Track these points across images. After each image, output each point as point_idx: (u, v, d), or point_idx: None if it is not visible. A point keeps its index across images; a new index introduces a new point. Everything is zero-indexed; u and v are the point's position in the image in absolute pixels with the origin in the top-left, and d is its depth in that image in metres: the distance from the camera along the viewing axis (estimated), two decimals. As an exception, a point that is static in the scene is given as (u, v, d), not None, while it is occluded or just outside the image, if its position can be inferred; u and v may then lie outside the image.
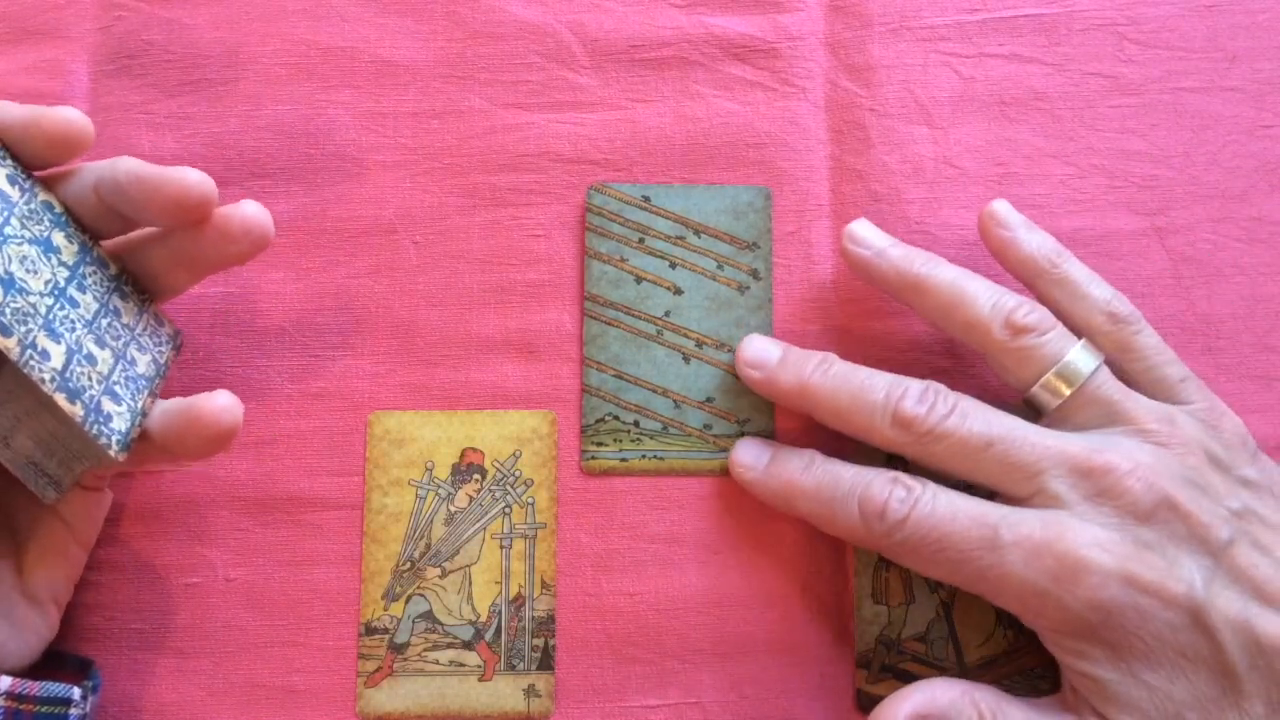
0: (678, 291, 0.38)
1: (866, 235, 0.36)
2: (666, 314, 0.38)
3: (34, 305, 0.30)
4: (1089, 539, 0.31)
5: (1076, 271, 0.35)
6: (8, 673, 0.32)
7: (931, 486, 0.33)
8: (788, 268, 0.39)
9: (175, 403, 0.32)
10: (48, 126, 0.31)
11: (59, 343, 0.30)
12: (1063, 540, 0.31)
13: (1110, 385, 0.33)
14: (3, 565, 0.33)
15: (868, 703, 0.36)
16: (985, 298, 0.34)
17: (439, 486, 0.37)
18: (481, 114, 0.40)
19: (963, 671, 0.36)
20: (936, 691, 0.32)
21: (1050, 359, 0.33)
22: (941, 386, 0.33)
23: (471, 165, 0.39)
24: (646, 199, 0.39)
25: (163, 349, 0.34)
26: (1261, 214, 0.39)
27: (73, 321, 0.31)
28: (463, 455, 0.37)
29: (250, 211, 0.32)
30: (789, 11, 0.40)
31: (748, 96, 0.40)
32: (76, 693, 0.32)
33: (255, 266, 0.39)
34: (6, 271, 0.30)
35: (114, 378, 0.31)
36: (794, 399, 0.35)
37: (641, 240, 0.38)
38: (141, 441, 0.32)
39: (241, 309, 0.38)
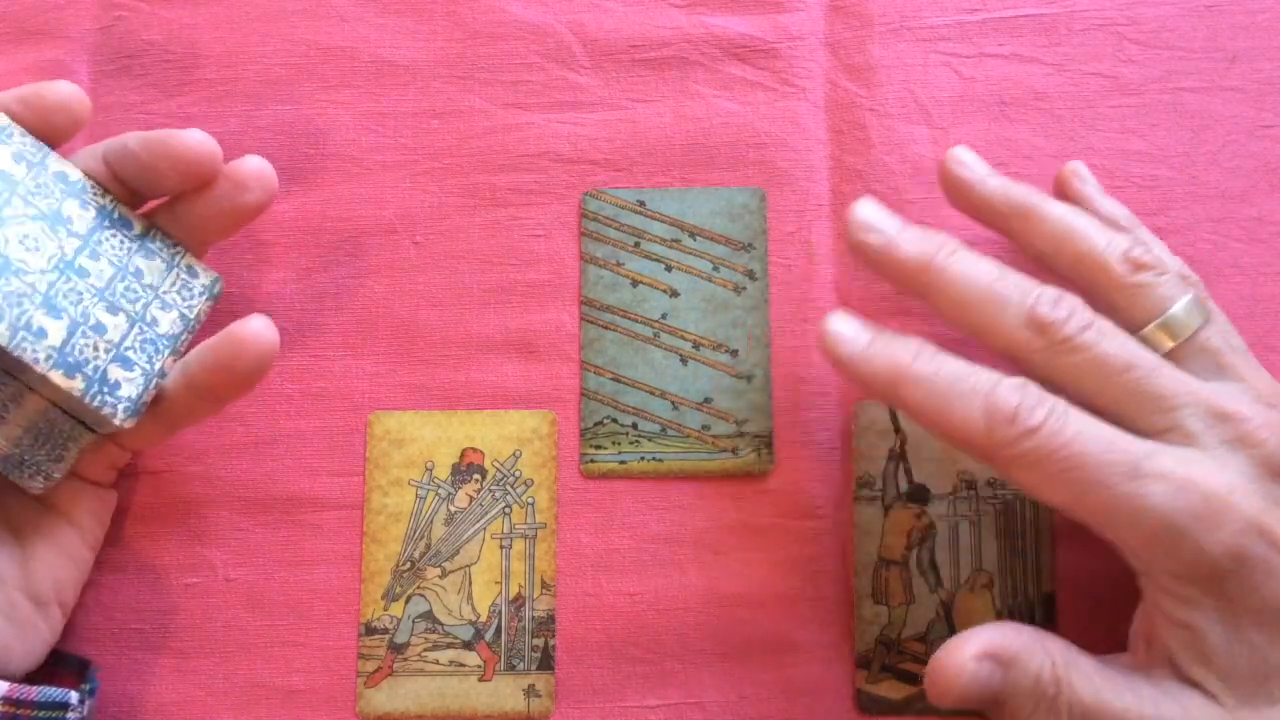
0: (674, 294, 0.38)
1: (967, 158, 0.35)
2: (663, 316, 0.38)
3: (32, 284, 0.31)
4: (1231, 484, 0.29)
5: (1151, 238, 0.35)
6: (5, 677, 0.32)
7: (1064, 402, 0.30)
8: (788, 268, 0.39)
9: (211, 339, 0.33)
10: (48, 100, 0.32)
11: (60, 318, 0.31)
12: (1208, 480, 0.29)
13: (1219, 338, 0.32)
14: (6, 566, 0.33)
15: (868, 703, 0.36)
16: (1100, 232, 0.32)
17: (439, 486, 0.37)
18: (481, 114, 0.40)
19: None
20: (1008, 633, 0.30)
21: (1165, 301, 0.32)
22: (1076, 297, 0.31)
23: (471, 165, 0.39)
24: (641, 203, 0.39)
25: (193, 302, 0.34)
26: (1261, 214, 0.39)
27: (80, 293, 0.31)
28: (463, 455, 0.37)
29: (255, 162, 0.34)
30: (789, 11, 0.40)
31: (748, 96, 0.40)
32: (74, 697, 0.32)
33: (255, 266, 0.39)
34: (2, 255, 0.30)
35: (127, 343, 0.32)
36: (911, 277, 0.32)
37: (637, 244, 0.38)
38: (182, 394, 0.33)
39: (241, 309, 0.38)
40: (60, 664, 0.35)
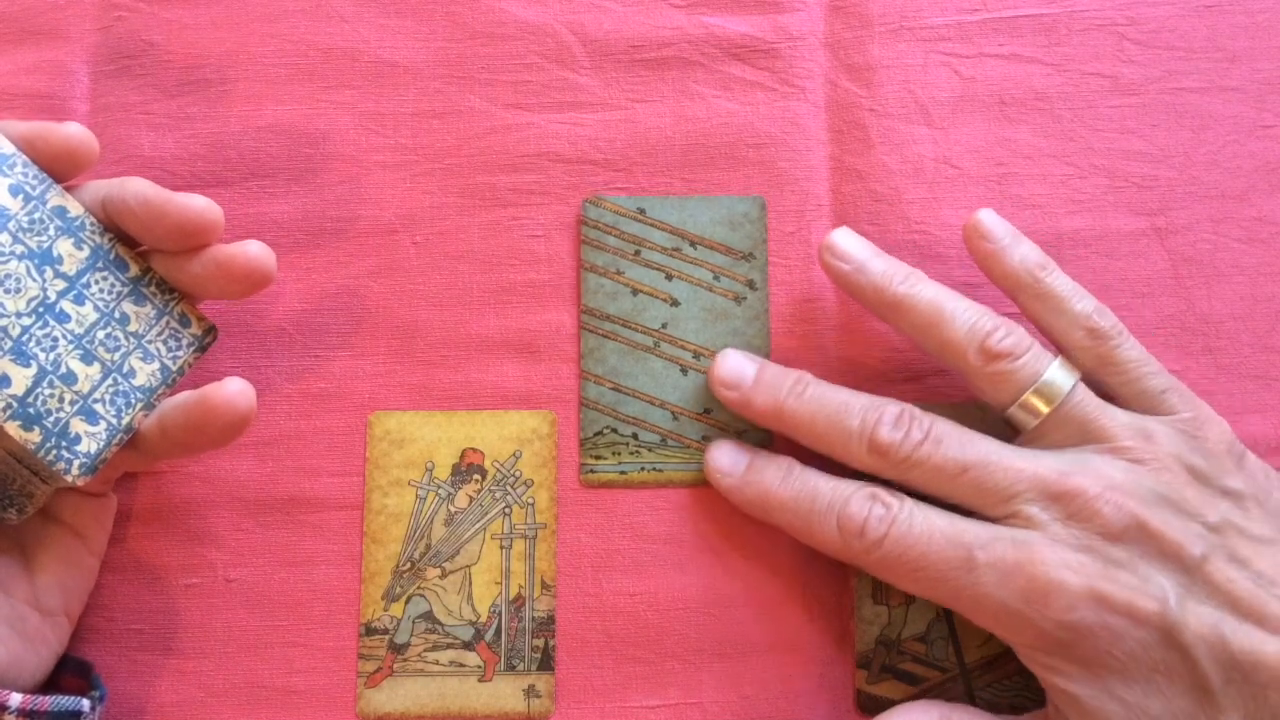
0: (674, 303, 0.38)
1: (847, 247, 0.35)
2: (663, 326, 0.38)
3: (4, 329, 0.30)
4: (1059, 560, 0.31)
5: (1059, 285, 0.35)
6: (17, 689, 0.31)
7: (909, 504, 0.33)
8: (788, 268, 0.39)
9: (186, 396, 0.32)
10: (53, 140, 0.31)
11: (29, 365, 0.30)
12: (1033, 562, 0.31)
13: (1087, 403, 0.33)
14: (14, 580, 0.33)
15: (868, 703, 0.36)
16: (962, 320, 0.34)
17: (439, 487, 0.37)
18: (481, 114, 0.40)
19: (963, 671, 0.36)
20: (912, 714, 0.33)
21: (1025, 381, 0.33)
22: (917, 410, 0.34)
23: (471, 165, 0.39)
24: (642, 211, 0.39)
25: (179, 353, 0.33)
26: (1261, 214, 0.39)
27: (55, 339, 0.31)
28: (463, 456, 0.37)
29: (254, 252, 0.32)
30: (789, 11, 0.40)
31: (748, 96, 0.40)
32: (86, 705, 0.32)
33: (255, 267, 0.39)
34: None
35: (96, 395, 0.31)
36: (770, 420, 0.35)
37: (637, 252, 0.38)
38: (158, 438, 0.32)
39: (241, 309, 0.38)
40: (61, 666, 0.35)
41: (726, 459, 0.36)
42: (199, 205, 0.31)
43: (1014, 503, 0.32)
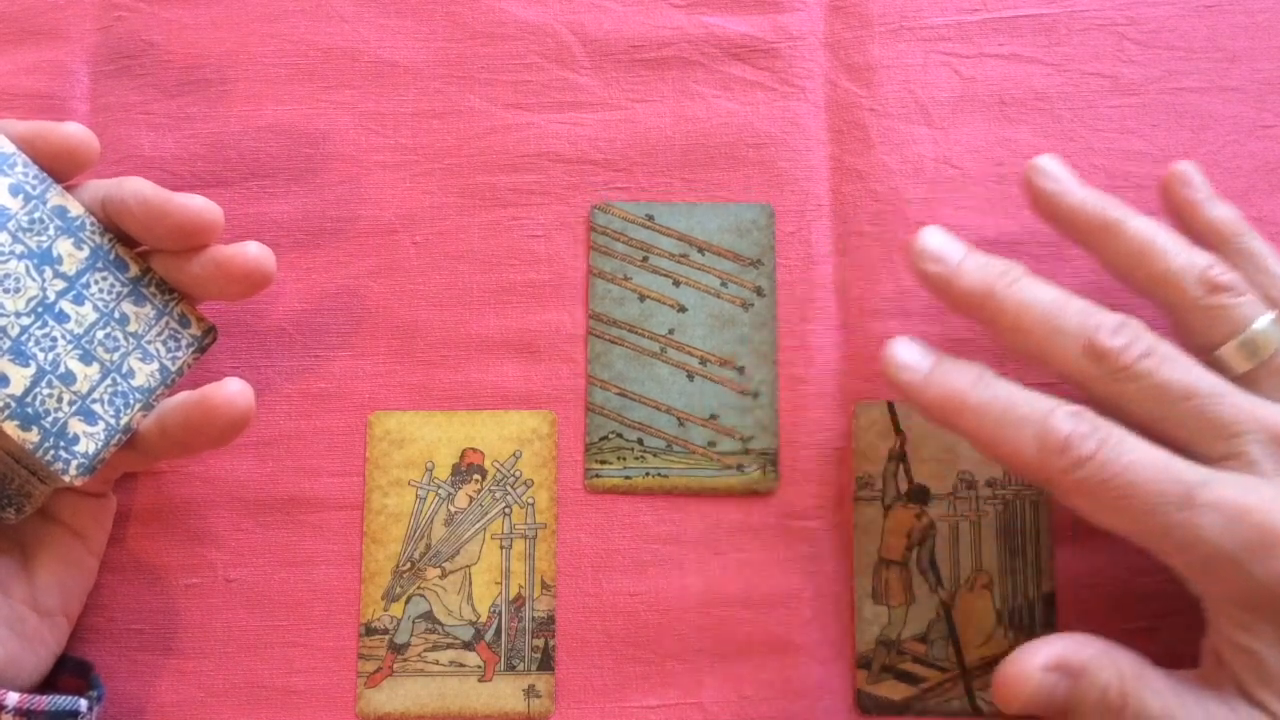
0: (681, 309, 0.38)
1: (1050, 168, 0.34)
2: (670, 332, 0.38)
3: (3, 328, 0.30)
4: None
5: (1260, 245, 0.34)
6: (14, 689, 0.31)
7: (1120, 428, 0.30)
8: (788, 268, 0.39)
9: (185, 396, 0.32)
10: (53, 140, 0.31)
11: (27, 365, 0.30)
12: (1264, 510, 0.28)
13: None
14: (13, 580, 0.33)
15: (868, 703, 0.36)
16: (1178, 251, 0.32)
17: (439, 487, 0.37)
18: (481, 114, 0.40)
19: (963, 671, 0.36)
20: (1078, 644, 0.30)
21: (1242, 322, 0.31)
22: (1139, 322, 0.31)
23: (471, 165, 0.39)
24: (650, 217, 0.39)
25: (178, 354, 0.33)
26: (1261, 214, 0.39)
27: (54, 339, 0.31)
28: (463, 456, 0.37)
29: (253, 253, 0.32)
30: (789, 11, 0.40)
31: (748, 96, 0.40)
32: (83, 704, 0.32)
33: (255, 267, 0.39)
34: None
35: (95, 395, 0.31)
36: (972, 305, 0.32)
37: (645, 258, 0.38)
38: (157, 438, 0.32)
39: (241, 309, 0.38)
40: (60, 665, 0.35)
41: (911, 354, 0.32)
42: (198, 205, 0.31)
43: (1238, 441, 0.30)
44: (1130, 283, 0.33)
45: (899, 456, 0.37)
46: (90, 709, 0.32)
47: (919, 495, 0.37)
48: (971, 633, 0.36)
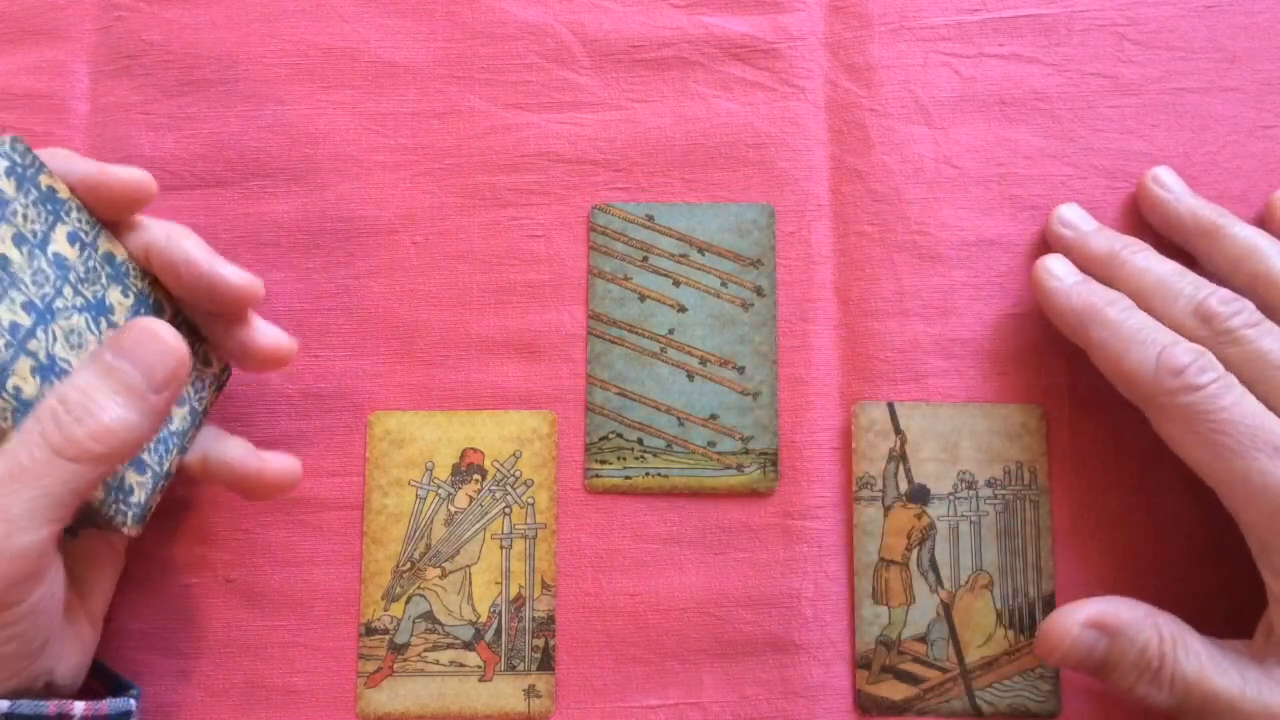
0: (681, 309, 0.38)
1: (1166, 179, 0.38)
2: (670, 332, 0.38)
3: None
4: None
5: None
6: (72, 696, 0.32)
7: (1232, 376, 0.32)
8: (788, 268, 0.39)
9: (242, 458, 0.34)
10: (114, 185, 0.32)
11: None
12: None
13: None
14: (77, 595, 0.33)
15: (868, 703, 0.36)
16: (1278, 253, 0.34)
17: (439, 487, 0.37)
18: (481, 114, 0.40)
19: (963, 671, 0.36)
20: (1120, 606, 0.32)
21: None
22: (1251, 304, 0.33)
23: (471, 165, 0.39)
24: (650, 217, 0.39)
25: (204, 394, 0.33)
26: (1261, 214, 0.39)
27: None
28: (463, 455, 0.37)
29: (281, 344, 0.34)
30: (789, 11, 0.40)
31: (748, 97, 0.40)
32: (132, 703, 0.32)
33: (256, 267, 0.38)
34: (49, 355, 0.29)
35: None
36: (1098, 263, 0.36)
37: (645, 258, 0.38)
38: (198, 476, 0.33)
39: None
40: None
41: (1060, 265, 0.36)
42: (244, 282, 0.32)
43: None
44: (1232, 283, 0.35)
45: (899, 456, 0.37)
46: (137, 706, 0.32)
47: (919, 495, 0.37)
48: (971, 633, 0.36)
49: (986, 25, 0.40)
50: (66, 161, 0.32)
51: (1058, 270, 0.36)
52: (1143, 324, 0.33)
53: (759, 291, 0.38)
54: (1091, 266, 0.36)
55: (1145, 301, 0.34)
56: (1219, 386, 0.32)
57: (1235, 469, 0.31)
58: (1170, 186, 0.38)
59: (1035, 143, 0.39)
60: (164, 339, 0.29)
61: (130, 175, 0.32)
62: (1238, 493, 0.32)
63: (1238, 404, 0.31)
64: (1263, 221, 0.38)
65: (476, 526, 0.37)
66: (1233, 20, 0.40)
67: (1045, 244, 0.38)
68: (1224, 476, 0.32)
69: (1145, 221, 0.38)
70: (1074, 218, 0.38)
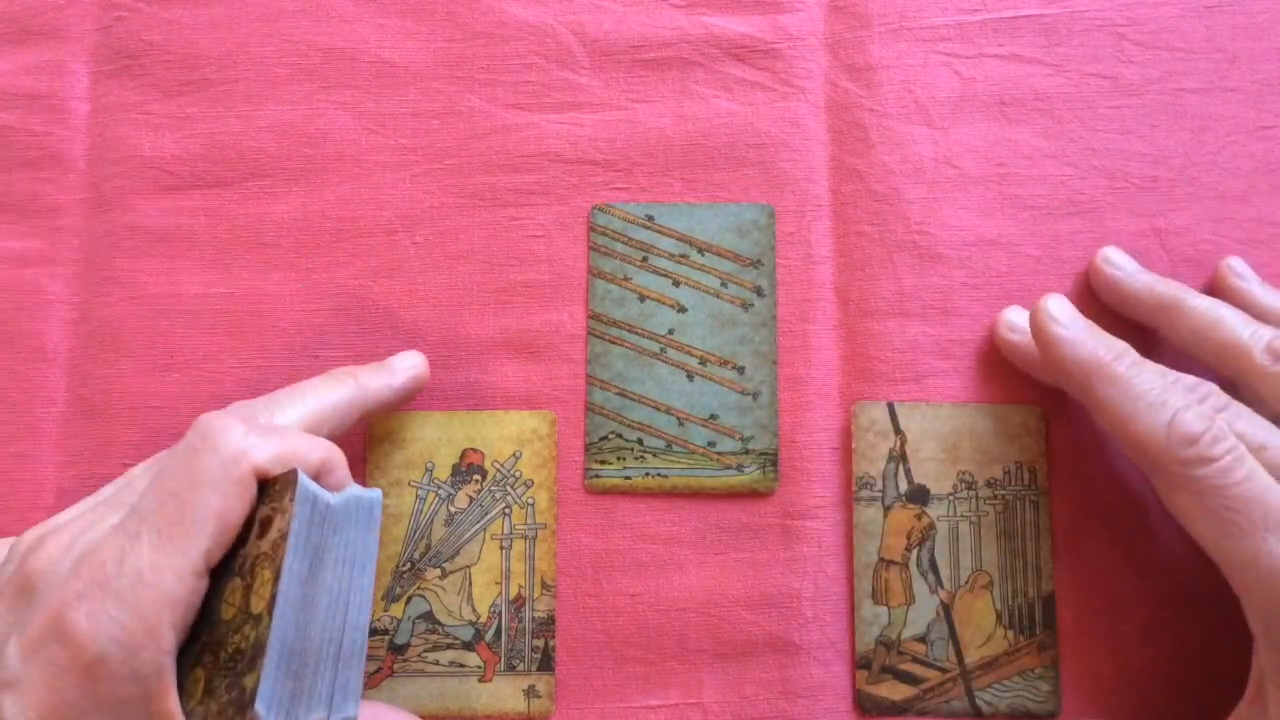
0: (681, 309, 0.38)
1: (1115, 257, 0.37)
2: (670, 332, 0.38)
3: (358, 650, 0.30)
4: None
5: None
6: None
7: (1244, 446, 0.31)
8: (788, 268, 0.39)
9: (414, 375, 0.36)
10: (419, 386, 0.36)
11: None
12: None
13: None
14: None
15: (868, 703, 0.36)
16: (1243, 324, 0.34)
17: (439, 487, 0.37)
18: (481, 114, 0.40)
19: (963, 672, 0.36)
20: None
21: None
22: (1215, 386, 0.33)
23: (472, 166, 0.39)
24: (650, 218, 0.39)
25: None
26: (1261, 215, 0.39)
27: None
28: (463, 456, 0.37)
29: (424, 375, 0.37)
30: (789, 11, 0.40)
31: (748, 97, 0.40)
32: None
33: (255, 266, 0.39)
34: (361, 634, 0.29)
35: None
36: (1154, 311, 0.36)
37: (645, 259, 0.38)
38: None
39: (241, 309, 0.38)
40: None
41: (1064, 310, 0.34)
42: (423, 376, 0.36)
43: None
44: (1198, 356, 0.35)
45: (899, 457, 0.37)
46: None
47: (919, 495, 0.37)
48: (971, 633, 0.36)
49: (986, 25, 0.40)
50: (391, 377, 0.35)
51: (1063, 315, 0.34)
52: (1150, 383, 0.32)
53: (759, 292, 0.38)
54: (1143, 309, 0.36)
55: (1217, 334, 0.34)
56: (1232, 459, 0.30)
57: (1244, 549, 0.30)
58: (1121, 265, 0.37)
59: (1035, 143, 0.39)
60: None
61: (426, 373, 0.36)
62: (1247, 574, 0.30)
63: (1250, 479, 0.30)
64: (1220, 282, 0.37)
65: (476, 527, 0.37)
66: (1233, 20, 0.40)
67: (1050, 246, 0.38)
68: (1230, 556, 0.31)
69: (1101, 303, 0.38)
70: (1121, 260, 0.37)
